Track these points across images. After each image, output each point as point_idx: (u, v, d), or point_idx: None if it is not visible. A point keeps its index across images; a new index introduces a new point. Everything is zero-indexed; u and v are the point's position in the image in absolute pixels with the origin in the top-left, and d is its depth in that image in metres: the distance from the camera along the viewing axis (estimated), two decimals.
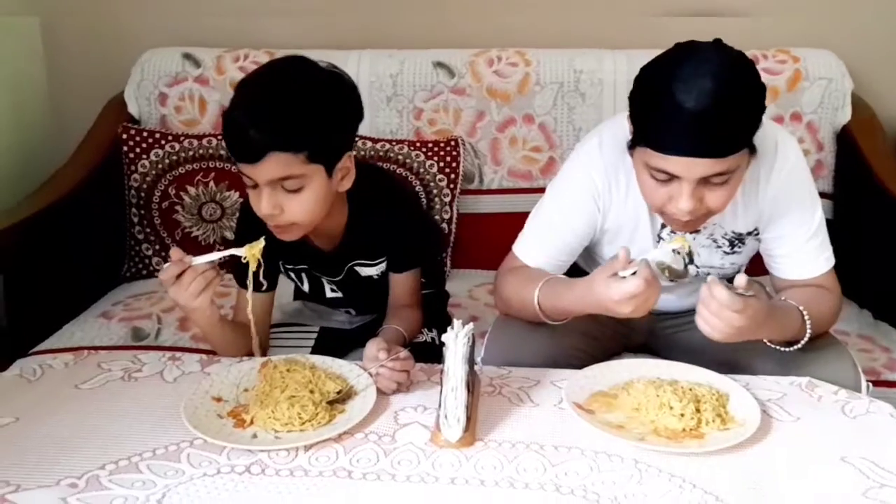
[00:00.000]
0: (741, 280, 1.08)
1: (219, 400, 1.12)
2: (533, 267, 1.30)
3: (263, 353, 1.32)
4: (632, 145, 1.15)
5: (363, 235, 1.31)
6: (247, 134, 1.11)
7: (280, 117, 1.11)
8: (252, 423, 1.07)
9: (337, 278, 1.37)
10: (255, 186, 1.17)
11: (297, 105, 1.12)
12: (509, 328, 1.30)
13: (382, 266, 1.37)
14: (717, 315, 1.07)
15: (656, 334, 1.48)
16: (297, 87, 1.14)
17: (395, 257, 1.36)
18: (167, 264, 1.17)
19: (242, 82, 1.18)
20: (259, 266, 1.20)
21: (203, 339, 1.49)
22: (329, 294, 1.41)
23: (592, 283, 1.11)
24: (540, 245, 1.31)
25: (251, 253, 1.19)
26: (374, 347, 1.15)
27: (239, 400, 1.13)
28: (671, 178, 1.10)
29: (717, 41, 1.11)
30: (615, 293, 1.07)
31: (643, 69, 1.12)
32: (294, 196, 1.16)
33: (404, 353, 1.16)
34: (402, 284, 1.37)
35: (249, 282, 1.22)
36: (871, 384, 1.28)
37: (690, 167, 1.08)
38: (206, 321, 1.26)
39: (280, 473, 0.97)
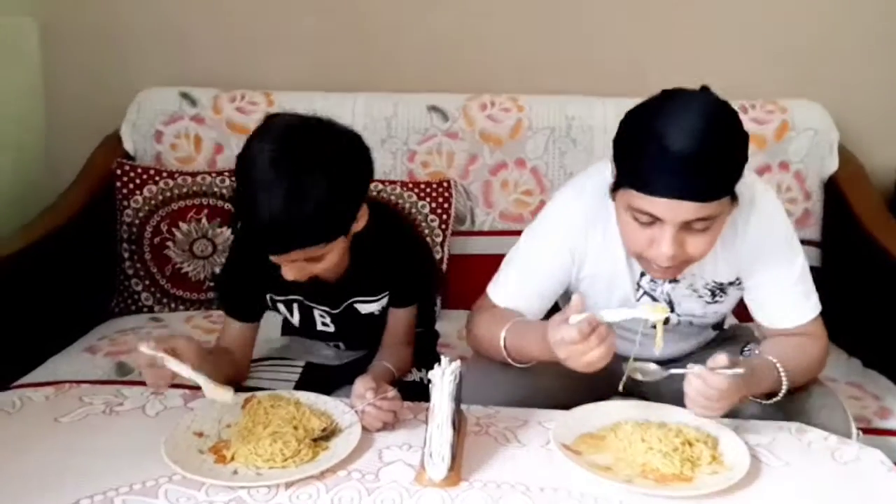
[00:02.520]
0: (721, 360, 1.09)
1: (200, 435, 1.10)
2: (505, 308, 1.29)
3: (242, 377, 1.35)
4: (615, 188, 1.15)
5: (368, 267, 1.31)
6: (269, 236, 1.11)
7: (303, 221, 1.09)
8: (233, 458, 1.05)
9: (335, 311, 1.36)
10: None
11: (318, 204, 1.09)
12: (481, 368, 1.28)
13: (384, 301, 1.36)
14: (720, 400, 1.08)
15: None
16: (313, 177, 1.08)
17: (398, 291, 1.35)
18: (141, 348, 1.10)
19: (246, 170, 1.11)
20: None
21: None
22: (319, 327, 1.40)
23: (547, 325, 1.09)
24: (513, 289, 1.30)
25: (218, 398, 1.12)
26: (362, 386, 1.14)
27: (221, 435, 1.11)
28: (654, 221, 1.10)
29: (704, 88, 1.12)
30: (552, 337, 1.06)
31: (629, 112, 1.13)
32: (318, 263, 1.18)
33: (392, 392, 1.15)
34: (401, 320, 1.37)
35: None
36: (860, 431, 1.27)
37: (675, 210, 1.07)
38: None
39: None
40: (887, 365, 1.67)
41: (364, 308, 1.36)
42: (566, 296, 1.37)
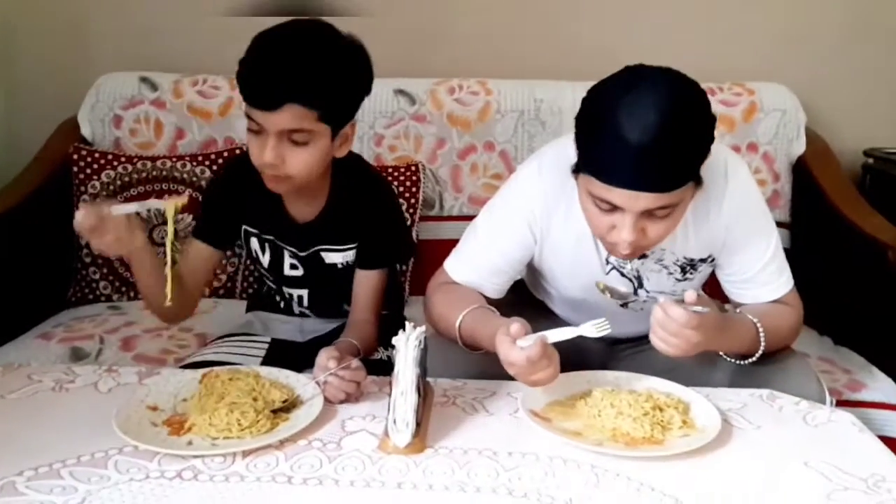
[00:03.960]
0: (691, 296, 1.05)
1: (154, 409, 1.06)
2: (463, 284, 1.27)
3: (189, 310, 1.35)
4: (576, 170, 1.11)
5: (340, 213, 1.30)
6: (268, 81, 1.12)
7: (304, 70, 1.12)
8: (189, 430, 1.01)
9: (302, 253, 1.34)
10: (259, 133, 1.16)
11: (320, 62, 1.14)
12: (443, 342, 1.25)
13: (349, 255, 1.34)
14: (676, 334, 1.04)
15: (614, 358, 1.44)
16: (321, 45, 1.15)
17: (366, 247, 1.33)
18: (79, 211, 1.07)
19: (263, 33, 1.16)
20: (176, 230, 1.18)
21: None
22: (288, 271, 1.37)
23: (496, 333, 1.06)
24: (469, 265, 1.27)
25: (174, 205, 1.14)
26: (325, 356, 1.11)
27: (176, 409, 1.07)
28: (614, 208, 1.07)
29: (667, 69, 1.06)
30: (502, 355, 1.04)
31: (590, 91, 1.07)
32: (298, 150, 1.17)
33: (356, 362, 1.12)
34: (366, 285, 1.34)
35: (168, 243, 1.16)
36: (834, 400, 1.26)
37: (633, 200, 1.04)
38: (137, 266, 1.21)
39: (214, 479, 0.91)
40: (857, 342, 1.67)
41: (329, 257, 1.34)
42: (532, 269, 1.34)
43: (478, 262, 1.27)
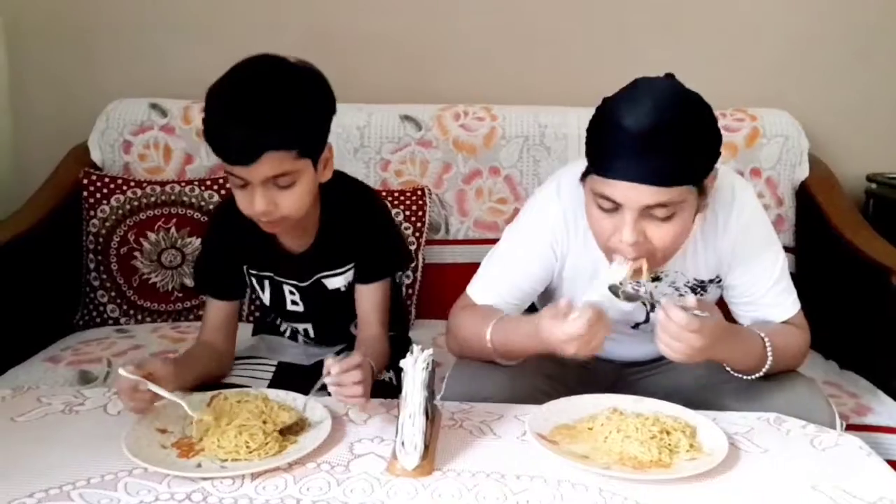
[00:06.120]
0: (691, 301, 1.06)
1: (164, 431, 1.06)
2: (486, 305, 1.28)
3: (227, 366, 1.34)
4: (583, 176, 1.15)
5: (334, 237, 1.30)
6: (240, 136, 1.11)
7: (272, 117, 1.11)
8: (198, 452, 1.01)
9: (303, 284, 1.34)
10: (244, 186, 1.16)
11: (284, 102, 1.12)
12: (469, 366, 1.27)
13: (350, 275, 1.34)
14: (677, 337, 1.05)
15: (622, 380, 1.45)
16: (280, 85, 1.14)
17: (364, 263, 1.33)
18: (123, 378, 1.06)
19: (217, 88, 1.15)
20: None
21: None
22: (290, 307, 1.37)
23: (540, 322, 1.09)
24: (494, 287, 1.29)
25: (198, 420, 1.07)
26: (327, 363, 1.08)
27: (185, 431, 1.07)
28: (616, 207, 1.09)
29: (669, 75, 1.13)
30: (557, 333, 1.05)
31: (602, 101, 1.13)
32: (287, 192, 1.16)
33: (358, 359, 1.08)
34: (370, 300, 1.34)
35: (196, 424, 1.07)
36: (844, 423, 1.26)
37: (631, 193, 1.06)
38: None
39: (223, 501, 0.92)
40: (863, 366, 1.67)
41: (331, 283, 1.34)
42: (545, 294, 1.35)
43: (501, 283, 1.29)
